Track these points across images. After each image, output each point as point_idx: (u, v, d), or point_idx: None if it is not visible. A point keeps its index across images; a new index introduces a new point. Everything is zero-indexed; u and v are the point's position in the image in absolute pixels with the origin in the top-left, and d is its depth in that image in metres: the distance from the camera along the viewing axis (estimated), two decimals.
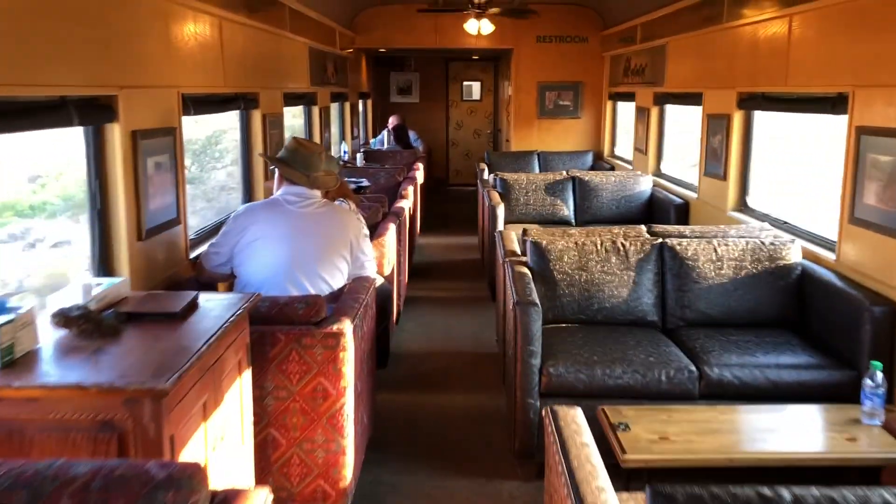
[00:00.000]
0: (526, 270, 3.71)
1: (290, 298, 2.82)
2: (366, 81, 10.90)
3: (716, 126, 5.28)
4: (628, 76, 8.07)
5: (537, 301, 3.25)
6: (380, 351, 4.57)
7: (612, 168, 8.65)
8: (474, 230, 8.63)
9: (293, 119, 7.09)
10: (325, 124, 7.37)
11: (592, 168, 9.06)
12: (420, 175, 8.38)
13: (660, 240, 3.83)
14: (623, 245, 3.78)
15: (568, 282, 3.74)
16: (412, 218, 6.96)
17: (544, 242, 3.79)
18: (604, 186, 6.52)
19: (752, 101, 4.78)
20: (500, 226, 6.00)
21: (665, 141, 7.09)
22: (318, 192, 3.40)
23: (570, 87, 9.42)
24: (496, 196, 6.34)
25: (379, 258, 4.29)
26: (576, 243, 3.79)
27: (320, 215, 3.28)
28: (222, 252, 3.23)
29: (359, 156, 8.43)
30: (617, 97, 8.85)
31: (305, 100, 6.67)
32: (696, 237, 3.87)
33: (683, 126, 7.02)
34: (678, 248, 3.76)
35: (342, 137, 9.11)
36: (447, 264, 7.50)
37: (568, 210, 6.52)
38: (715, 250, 3.73)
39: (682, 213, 5.90)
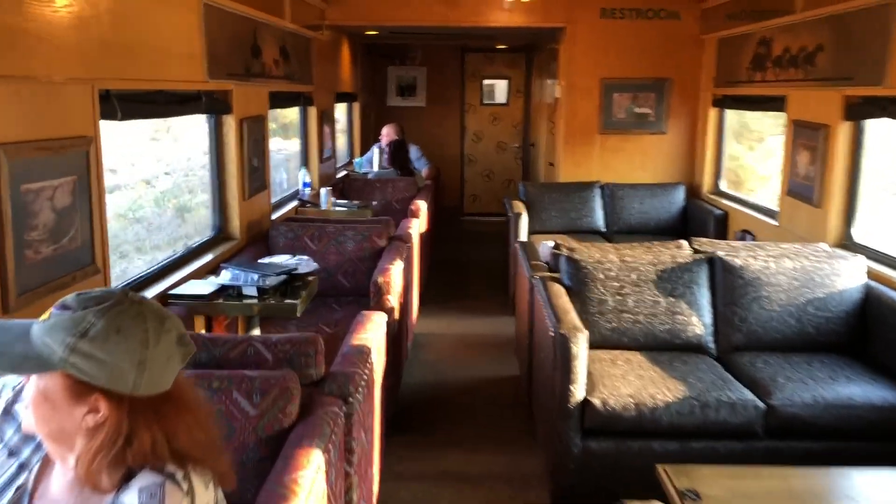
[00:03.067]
0: None
1: None
2: (351, 78, 7.76)
3: None
4: (764, 70, 4.89)
5: None
6: None
7: (726, 215, 5.48)
8: (505, 302, 5.54)
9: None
10: (253, 145, 4.23)
11: (686, 212, 5.91)
12: (420, 223, 5.25)
13: None
14: None
15: None
16: (402, 313, 3.86)
17: None
18: (772, 279, 3.33)
19: None
20: (581, 373, 2.84)
21: (860, 184, 3.93)
22: None
23: (650, 87, 6.22)
24: (566, 306, 3.11)
25: None
26: None
27: None
28: None
29: (324, 192, 5.29)
30: (729, 103, 5.68)
31: (196, 105, 3.53)
32: None
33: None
34: None
35: (304, 160, 5.99)
36: (463, 392, 4.25)
37: (702, 325, 3.35)
38: None
39: None
